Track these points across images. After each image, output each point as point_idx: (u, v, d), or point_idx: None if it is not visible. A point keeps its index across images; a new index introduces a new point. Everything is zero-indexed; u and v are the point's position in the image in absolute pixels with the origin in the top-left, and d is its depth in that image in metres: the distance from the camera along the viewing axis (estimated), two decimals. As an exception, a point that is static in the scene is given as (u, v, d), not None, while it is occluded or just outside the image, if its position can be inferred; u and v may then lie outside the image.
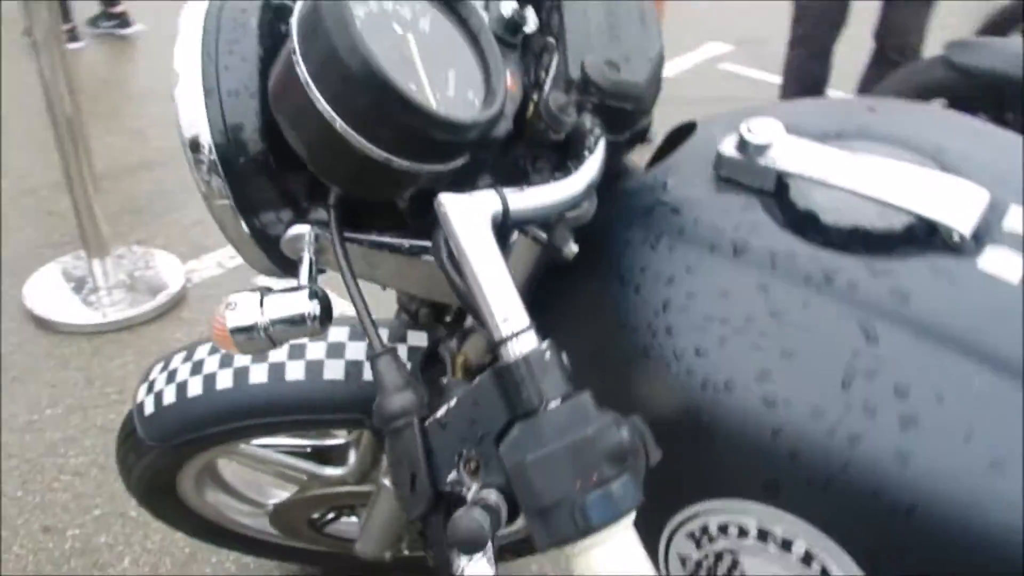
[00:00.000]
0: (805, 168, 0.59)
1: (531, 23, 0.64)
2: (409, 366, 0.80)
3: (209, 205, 0.63)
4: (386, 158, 0.51)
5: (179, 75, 0.60)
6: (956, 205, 0.55)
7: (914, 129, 0.64)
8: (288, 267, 0.67)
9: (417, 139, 0.51)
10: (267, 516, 1.37)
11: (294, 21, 0.51)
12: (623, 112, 0.60)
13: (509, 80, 0.60)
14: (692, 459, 0.55)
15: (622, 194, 0.67)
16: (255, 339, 0.60)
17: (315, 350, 1.03)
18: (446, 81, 0.54)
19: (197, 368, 1.07)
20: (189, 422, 1.06)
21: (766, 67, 4.29)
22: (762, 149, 0.60)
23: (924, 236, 0.56)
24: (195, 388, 1.05)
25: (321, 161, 0.55)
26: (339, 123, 0.50)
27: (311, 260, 0.63)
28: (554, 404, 0.46)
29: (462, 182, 0.63)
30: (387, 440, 0.52)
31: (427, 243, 0.62)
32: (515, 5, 0.62)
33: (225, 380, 1.04)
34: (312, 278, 0.62)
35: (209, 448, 1.15)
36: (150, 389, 1.10)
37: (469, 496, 0.49)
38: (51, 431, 1.88)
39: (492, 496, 0.47)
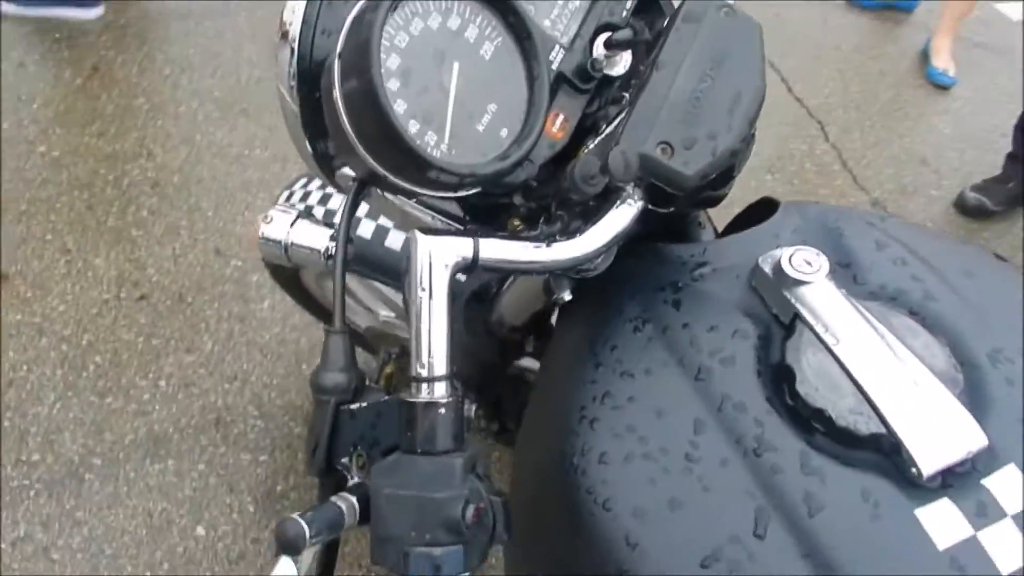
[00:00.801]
0: (822, 324, 0.53)
1: (620, 68, 0.59)
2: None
3: (280, 97, 0.68)
4: (387, 177, 0.53)
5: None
6: (936, 440, 0.48)
7: (970, 323, 0.56)
8: (331, 179, 0.72)
9: (415, 172, 0.52)
10: (366, 321, 1.53)
11: (347, 24, 0.52)
12: (665, 192, 0.56)
13: (558, 125, 0.57)
14: (563, 545, 0.57)
15: (658, 257, 0.64)
16: (276, 252, 0.68)
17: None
18: (479, 115, 0.53)
19: (324, 200, 1.17)
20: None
21: None
22: (793, 282, 0.55)
23: (886, 451, 0.50)
24: (317, 215, 1.16)
25: (335, 139, 0.57)
26: (351, 134, 0.52)
27: (355, 197, 0.67)
28: (429, 456, 0.50)
29: (477, 207, 0.63)
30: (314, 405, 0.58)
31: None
32: (604, 50, 0.58)
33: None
34: (353, 211, 0.67)
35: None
36: (288, 198, 1.23)
37: (349, 483, 0.56)
38: (252, 170, 2.13)
39: (352, 499, 0.53)
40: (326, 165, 0.69)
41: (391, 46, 0.51)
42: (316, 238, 0.67)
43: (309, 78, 0.62)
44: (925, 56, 3.04)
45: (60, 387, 1.63)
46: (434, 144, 0.52)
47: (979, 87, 3.07)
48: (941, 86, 2.99)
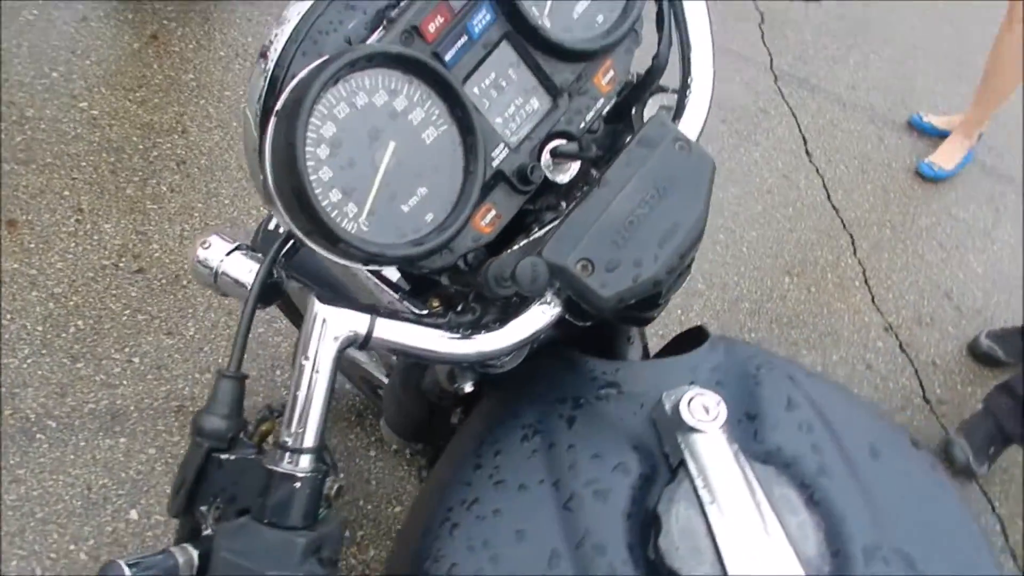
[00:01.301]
0: (703, 478, 0.52)
1: (565, 176, 0.59)
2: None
3: (245, 129, 0.69)
4: (303, 241, 0.53)
5: (285, 17, 0.64)
6: None
7: (856, 510, 0.54)
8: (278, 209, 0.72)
9: (325, 240, 0.52)
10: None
11: (290, 87, 0.53)
12: (582, 308, 0.56)
13: (488, 219, 0.57)
14: None
15: (571, 367, 0.63)
16: (206, 277, 0.68)
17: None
18: (407, 196, 0.54)
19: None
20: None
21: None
22: (687, 427, 0.54)
23: None
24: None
25: (259, 185, 0.57)
26: (272, 189, 0.52)
27: (281, 244, 0.67)
28: (275, 528, 0.50)
29: (406, 274, 0.63)
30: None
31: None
32: (550, 158, 0.58)
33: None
34: (275, 258, 0.67)
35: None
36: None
37: (202, 532, 0.56)
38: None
39: (193, 553, 0.52)
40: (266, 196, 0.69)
41: (329, 114, 0.51)
42: (245, 273, 0.67)
43: (270, 111, 0.63)
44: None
45: (36, 343, 1.65)
46: (352, 217, 0.52)
47: (1020, 233, 3.02)
48: (921, 175, 2.96)
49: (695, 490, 0.51)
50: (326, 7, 0.62)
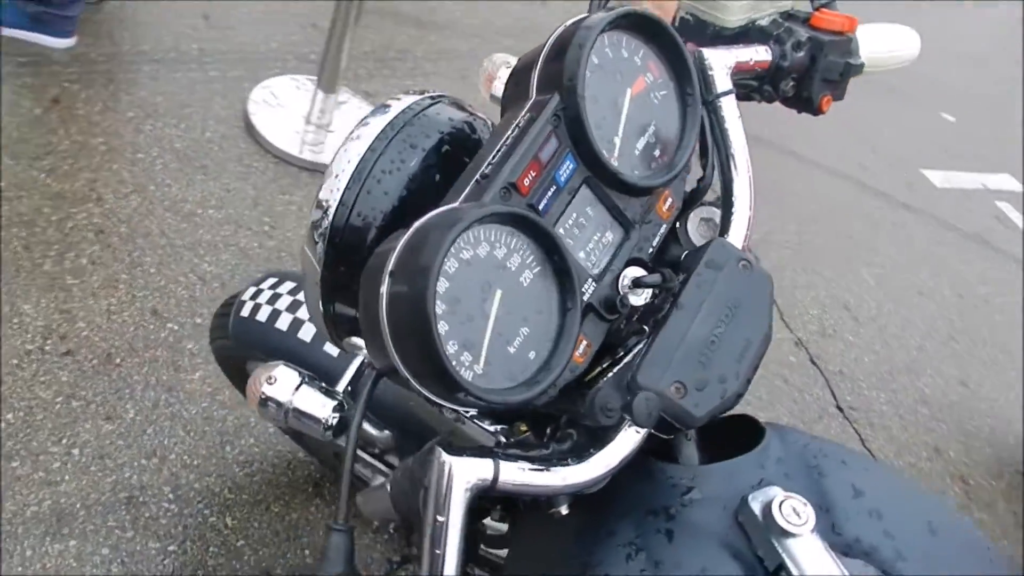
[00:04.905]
0: None
1: (641, 299, 0.62)
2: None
3: (304, 259, 0.68)
4: (409, 382, 0.53)
5: (345, 150, 0.65)
6: None
7: None
8: (339, 341, 0.72)
9: (441, 388, 0.53)
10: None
11: (404, 239, 0.53)
12: (673, 425, 0.59)
13: (581, 350, 0.59)
14: None
15: (648, 476, 0.66)
16: (275, 414, 0.67)
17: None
18: (512, 338, 0.55)
19: (293, 307, 1.16)
20: (264, 345, 1.17)
21: (1044, 232, 3.85)
22: (781, 531, 0.58)
23: None
24: (283, 323, 1.15)
25: (368, 344, 0.57)
26: (388, 342, 0.53)
27: (356, 372, 0.67)
28: None
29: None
30: None
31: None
32: (630, 283, 0.61)
33: (307, 334, 1.12)
34: (347, 391, 0.67)
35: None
36: (255, 296, 1.21)
37: None
38: (204, 230, 2.09)
39: None
40: (335, 327, 0.69)
41: (443, 271, 0.52)
42: (319, 407, 0.66)
43: (337, 249, 0.63)
44: None
45: (-37, 443, 1.53)
46: (468, 366, 0.53)
47: (902, 248, 3.29)
48: None
49: None
50: (386, 147, 0.63)
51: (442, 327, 0.52)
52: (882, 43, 0.78)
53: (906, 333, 2.83)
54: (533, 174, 0.57)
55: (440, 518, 0.53)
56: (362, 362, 0.68)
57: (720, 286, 0.61)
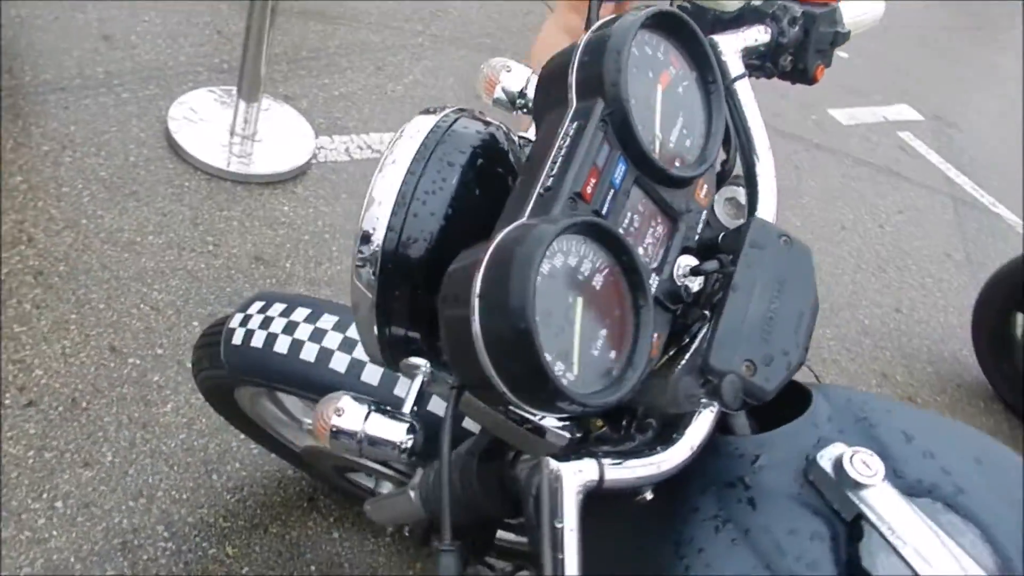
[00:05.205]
0: (888, 527, 0.60)
1: (696, 284, 0.65)
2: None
3: (353, 288, 0.68)
4: (506, 396, 0.54)
5: (383, 176, 0.65)
6: None
7: (995, 516, 0.64)
8: (395, 365, 0.72)
9: (542, 399, 0.54)
10: (304, 440, 1.48)
11: (489, 250, 0.54)
12: (744, 401, 0.62)
13: (653, 342, 0.62)
14: None
15: (714, 450, 0.69)
16: (348, 445, 0.67)
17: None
18: (595, 342, 0.57)
19: (290, 329, 1.14)
20: (265, 371, 1.15)
21: (947, 155, 4.08)
22: (855, 484, 0.61)
23: None
24: (281, 346, 1.13)
25: (457, 364, 0.58)
26: (487, 363, 0.53)
27: (420, 391, 0.68)
28: None
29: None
30: None
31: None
32: (688, 272, 0.64)
33: (309, 354, 1.11)
34: (414, 411, 0.68)
35: (274, 390, 1.24)
36: (244, 322, 1.18)
37: None
38: (147, 258, 2.01)
39: None
40: (392, 351, 0.69)
41: None
42: (392, 432, 0.66)
43: (388, 275, 0.64)
44: None
45: (-63, 515, 1.45)
46: (563, 374, 0.54)
47: (821, 185, 3.44)
48: None
49: (886, 540, 0.59)
50: (424, 168, 0.64)
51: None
52: (856, 9, 0.83)
53: (839, 270, 2.97)
54: (594, 181, 0.58)
55: (558, 524, 0.54)
56: (422, 381, 0.68)
57: (768, 264, 0.64)
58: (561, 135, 0.60)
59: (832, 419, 0.70)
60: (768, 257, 0.64)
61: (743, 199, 0.73)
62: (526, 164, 0.62)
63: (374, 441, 0.66)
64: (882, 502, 0.61)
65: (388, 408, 0.68)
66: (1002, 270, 2.51)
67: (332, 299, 2.11)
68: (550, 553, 0.54)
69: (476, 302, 0.52)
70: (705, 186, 0.67)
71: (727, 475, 0.66)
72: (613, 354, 0.58)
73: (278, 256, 2.18)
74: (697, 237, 0.67)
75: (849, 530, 0.63)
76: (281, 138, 2.49)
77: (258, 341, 1.15)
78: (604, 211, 0.59)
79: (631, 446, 0.61)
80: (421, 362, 0.67)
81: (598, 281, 0.58)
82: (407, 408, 0.66)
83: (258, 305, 1.20)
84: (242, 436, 1.73)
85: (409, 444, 0.66)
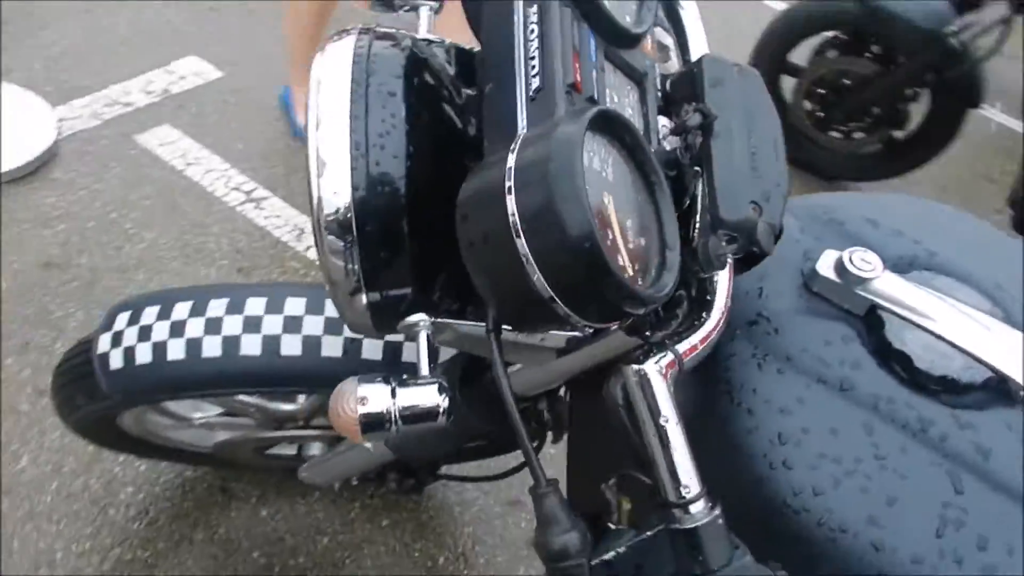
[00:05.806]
0: (905, 308, 0.64)
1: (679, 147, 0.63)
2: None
3: (326, 262, 0.59)
4: (570, 316, 0.50)
5: (323, 132, 0.55)
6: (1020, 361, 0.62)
7: (967, 265, 0.71)
8: (384, 329, 0.65)
9: (608, 308, 0.51)
10: (209, 439, 1.35)
11: (514, 152, 0.48)
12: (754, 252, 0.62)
13: None
14: None
15: None
16: (385, 428, 0.60)
17: (311, 325, 1.01)
18: (628, 235, 0.53)
19: (177, 330, 1.00)
20: (163, 385, 1.01)
21: None
22: (861, 281, 0.65)
23: (996, 388, 0.64)
24: (176, 351, 0.99)
25: (495, 292, 0.53)
26: (538, 276, 0.48)
27: (429, 348, 0.62)
28: (723, 570, 0.52)
29: None
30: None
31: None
32: (671, 133, 0.61)
33: (213, 348, 0.99)
34: (433, 369, 0.62)
35: (176, 399, 1.10)
36: (116, 342, 1.02)
37: None
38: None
39: None
40: (384, 315, 0.62)
41: None
42: (427, 397, 0.59)
43: (369, 235, 0.56)
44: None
45: None
46: (636, 285, 0.51)
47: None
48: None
49: (907, 320, 0.63)
50: (366, 109, 0.55)
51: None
52: None
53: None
54: (578, 66, 0.53)
55: (663, 422, 0.53)
56: (428, 337, 0.61)
57: (733, 100, 0.62)
58: (519, 24, 0.53)
59: (804, 230, 0.73)
60: (730, 93, 0.63)
61: (666, 40, 0.70)
62: (486, 68, 0.55)
63: (411, 417, 0.59)
64: (891, 288, 0.65)
65: (406, 377, 0.61)
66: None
67: (169, 284, 1.89)
68: (660, 450, 0.53)
69: (521, 228, 0.47)
70: (649, 38, 0.64)
71: (744, 316, 0.68)
72: (643, 241, 0.55)
73: (68, 255, 1.90)
74: (660, 95, 0.64)
75: (866, 323, 0.66)
76: (12, 123, 2.11)
77: (144, 356, 1.00)
78: (596, 95, 0.54)
79: (677, 323, 0.59)
80: (419, 317, 0.61)
81: (611, 172, 0.53)
82: (424, 369, 0.59)
83: (124, 317, 1.04)
84: (122, 458, 1.55)
85: (447, 404, 0.60)
